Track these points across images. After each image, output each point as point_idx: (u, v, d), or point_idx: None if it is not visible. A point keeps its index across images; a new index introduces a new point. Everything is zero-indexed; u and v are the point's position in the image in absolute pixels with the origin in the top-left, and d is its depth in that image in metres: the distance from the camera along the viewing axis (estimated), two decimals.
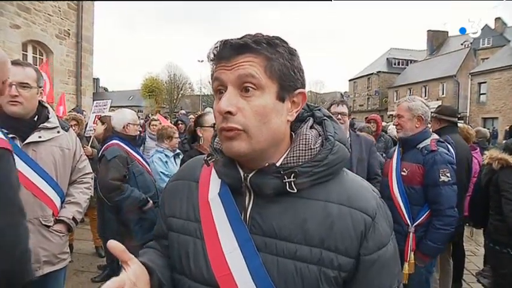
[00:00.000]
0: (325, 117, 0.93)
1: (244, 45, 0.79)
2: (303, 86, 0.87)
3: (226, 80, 0.80)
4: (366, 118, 6.52)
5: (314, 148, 0.85)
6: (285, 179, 0.81)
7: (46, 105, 2.12)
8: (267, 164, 0.83)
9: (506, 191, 2.53)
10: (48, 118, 2.06)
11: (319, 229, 0.81)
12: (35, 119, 2.02)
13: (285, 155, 0.86)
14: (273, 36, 0.83)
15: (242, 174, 0.86)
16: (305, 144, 0.86)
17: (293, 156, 0.84)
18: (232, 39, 0.81)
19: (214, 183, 0.91)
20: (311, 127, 0.91)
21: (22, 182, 1.89)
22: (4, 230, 0.99)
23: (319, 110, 0.96)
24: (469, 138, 4.09)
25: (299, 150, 0.85)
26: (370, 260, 0.81)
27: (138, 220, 3.05)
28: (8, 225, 1.01)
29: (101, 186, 3.04)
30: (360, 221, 0.82)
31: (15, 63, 1.94)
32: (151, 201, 3.12)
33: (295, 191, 0.81)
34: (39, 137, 1.99)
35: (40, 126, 2.01)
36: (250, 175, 0.84)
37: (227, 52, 0.80)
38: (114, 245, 0.76)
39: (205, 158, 0.93)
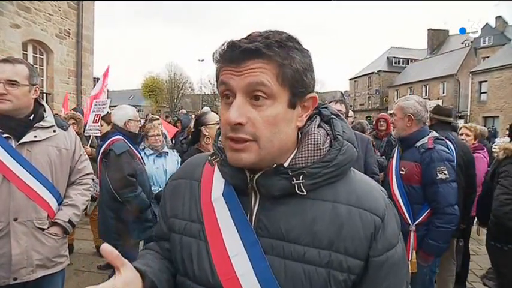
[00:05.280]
0: (332, 116, 0.90)
1: (255, 50, 0.74)
2: (313, 89, 0.84)
3: (235, 87, 0.76)
4: (367, 117, 6.37)
5: (323, 148, 0.83)
6: (293, 181, 0.78)
7: (43, 103, 2.08)
8: (274, 165, 0.80)
9: (502, 177, 2.52)
10: (43, 117, 2.01)
11: (328, 231, 0.79)
12: (31, 118, 1.97)
13: (293, 155, 0.83)
14: (285, 37, 0.77)
15: (248, 175, 0.83)
16: (314, 144, 0.83)
17: (301, 157, 0.82)
18: (241, 42, 0.75)
19: (218, 183, 0.89)
20: (318, 126, 0.88)
21: (15, 184, 1.86)
22: None
23: (326, 108, 0.93)
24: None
25: (307, 150, 0.82)
26: (379, 262, 0.79)
27: (135, 219, 3.06)
28: None
29: (115, 180, 2.97)
30: (370, 222, 0.80)
31: (5, 60, 1.90)
32: (152, 206, 3.16)
33: (305, 193, 0.78)
34: (35, 136, 1.94)
35: (36, 125, 1.96)
36: (256, 176, 0.81)
37: (236, 56, 0.75)
38: (108, 250, 0.74)
39: (209, 157, 0.90)
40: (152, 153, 3.89)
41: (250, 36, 0.77)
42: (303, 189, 0.78)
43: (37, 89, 2.00)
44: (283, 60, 0.75)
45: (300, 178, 0.78)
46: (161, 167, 3.74)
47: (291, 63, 0.76)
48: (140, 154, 3.34)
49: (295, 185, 0.78)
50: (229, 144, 0.79)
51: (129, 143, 3.15)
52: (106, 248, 0.73)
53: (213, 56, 0.80)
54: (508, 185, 2.47)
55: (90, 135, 5.24)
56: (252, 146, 0.77)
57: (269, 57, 0.75)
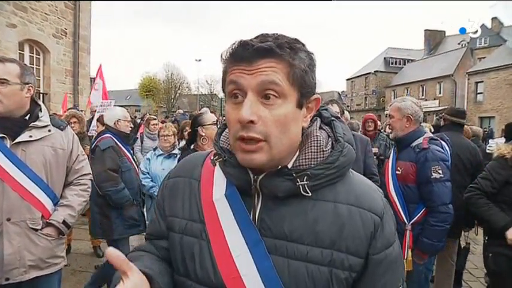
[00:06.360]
0: (333, 118, 0.91)
1: (268, 49, 0.75)
2: (315, 91, 0.85)
3: (246, 85, 0.76)
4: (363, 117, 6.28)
5: (326, 150, 0.84)
6: (298, 182, 0.79)
7: (39, 103, 2.06)
8: (279, 167, 0.81)
9: (481, 171, 2.69)
10: (39, 117, 1.99)
11: (330, 230, 0.80)
12: (27, 118, 1.95)
13: (295, 156, 0.84)
14: (294, 39, 0.80)
15: (252, 176, 0.83)
16: (317, 146, 0.84)
17: (305, 159, 0.83)
18: (253, 41, 0.77)
19: (219, 183, 0.88)
20: (319, 128, 0.89)
21: (9, 184, 1.84)
22: None
23: (325, 110, 0.94)
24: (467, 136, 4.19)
25: (311, 152, 0.84)
26: (378, 259, 0.82)
27: (119, 215, 3.16)
28: None
29: (97, 174, 3.05)
30: (370, 221, 0.82)
31: None
32: (134, 204, 3.26)
33: (310, 194, 0.79)
34: (30, 136, 1.92)
35: (31, 125, 1.94)
36: (260, 177, 0.82)
37: (248, 54, 0.75)
38: (114, 254, 0.70)
39: (212, 157, 0.90)
40: (161, 154, 3.89)
41: (260, 37, 0.79)
42: (308, 190, 0.79)
43: (31, 88, 1.97)
44: (293, 60, 0.77)
45: (304, 179, 0.79)
46: (167, 168, 3.68)
47: (300, 64, 0.78)
48: (131, 154, 3.45)
49: (300, 186, 0.79)
50: (240, 146, 0.78)
51: (118, 142, 3.30)
52: (112, 252, 0.71)
53: (221, 55, 0.80)
54: (479, 176, 2.66)
55: (93, 135, 5.24)
56: (263, 146, 0.77)
57: (280, 57, 0.76)
